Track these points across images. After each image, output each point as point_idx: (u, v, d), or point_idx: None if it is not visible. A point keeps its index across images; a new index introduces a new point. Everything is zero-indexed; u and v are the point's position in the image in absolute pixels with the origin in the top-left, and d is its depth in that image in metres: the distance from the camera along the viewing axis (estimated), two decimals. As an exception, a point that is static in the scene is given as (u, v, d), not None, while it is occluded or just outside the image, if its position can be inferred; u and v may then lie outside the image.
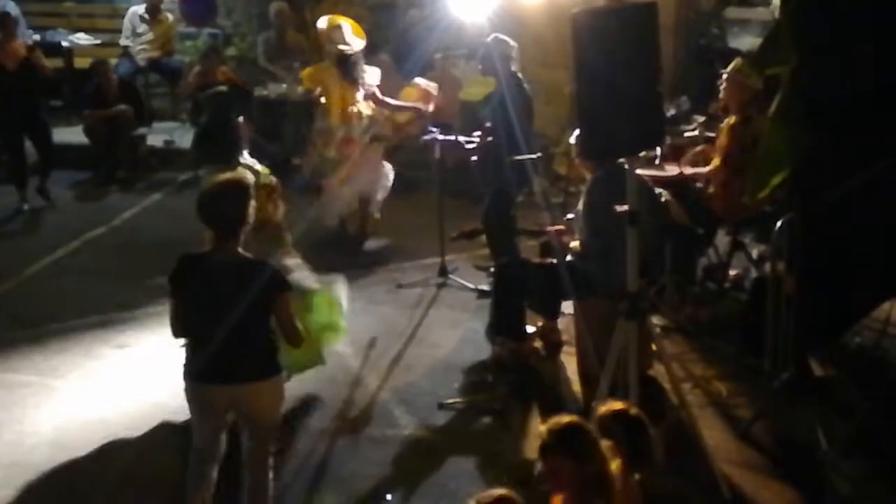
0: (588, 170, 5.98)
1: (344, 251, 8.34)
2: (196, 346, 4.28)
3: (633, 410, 3.75)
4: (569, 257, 5.98)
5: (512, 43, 7.54)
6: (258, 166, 5.71)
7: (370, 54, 10.55)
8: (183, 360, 4.32)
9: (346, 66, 8.31)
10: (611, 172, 5.65)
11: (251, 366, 4.24)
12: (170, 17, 12.15)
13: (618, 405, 3.77)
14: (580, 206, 5.95)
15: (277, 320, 4.27)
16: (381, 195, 8.66)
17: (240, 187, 4.35)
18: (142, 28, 11.90)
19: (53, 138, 10.36)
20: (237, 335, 4.16)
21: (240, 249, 4.27)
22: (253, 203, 4.35)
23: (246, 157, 5.69)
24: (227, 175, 4.53)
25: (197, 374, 4.27)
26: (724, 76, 6.91)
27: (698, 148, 7.37)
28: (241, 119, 5.83)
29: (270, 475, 4.46)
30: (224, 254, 4.24)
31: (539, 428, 3.64)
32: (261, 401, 4.31)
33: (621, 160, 5.48)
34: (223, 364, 4.19)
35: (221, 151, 5.63)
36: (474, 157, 7.78)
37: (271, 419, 4.42)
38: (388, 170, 8.69)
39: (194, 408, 4.38)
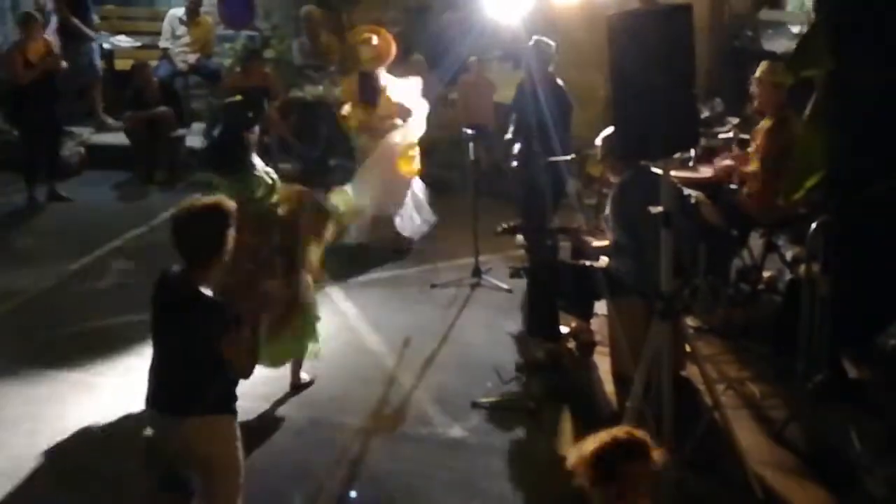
0: (613, 172, 6.00)
1: (376, 252, 8.42)
2: (151, 364, 4.11)
3: (630, 437, 3.24)
4: (604, 259, 6.00)
5: (550, 43, 7.60)
6: (273, 174, 5.81)
7: (404, 56, 10.65)
8: None
9: (363, 85, 8.45)
10: (639, 174, 5.68)
11: (184, 400, 3.93)
12: (209, 19, 12.28)
13: (608, 437, 3.24)
14: (608, 208, 5.97)
15: (226, 355, 3.89)
16: (398, 215, 8.56)
17: (218, 212, 3.99)
18: (181, 30, 12.03)
19: (91, 140, 10.56)
20: (181, 369, 3.96)
21: (201, 288, 3.92)
22: (232, 232, 4.02)
23: (258, 165, 5.73)
24: (207, 198, 4.11)
25: (147, 398, 4.08)
26: (755, 81, 6.90)
27: (731, 154, 7.36)
28: (255, 127, 5.82)
29: None
30: (185, 287, 3.93)
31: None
32: (199, 439, 3.95)
33: (647, 162, 5.55)
34: (167, 393, 4.00)
35: (230, 162, 5.68)
36: (515, 163, 7.85)
37: (217, 465, 4.05)
38: (406, 189, 8.59)
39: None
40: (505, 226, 6.43)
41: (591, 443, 3.20)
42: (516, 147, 7.84)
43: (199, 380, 3.92)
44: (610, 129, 5.81)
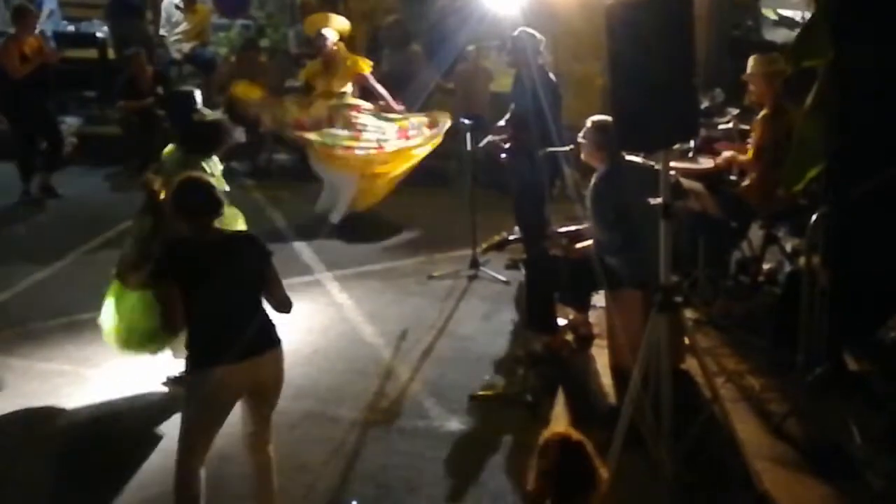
0: (598, 163, 5.93)
1: (375, 242, 8.38)
2: (208, 330, 4.15)
3: (575, 441, 3.49)
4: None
5: (539, 36, 7.55)
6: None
7: (403, 45, 10.62)
8: (190, 352, 4.19)
9: None
10: (615, 167, 5.65)
11: (265, 335, 4.26)
12: (206, 7, 12.22)
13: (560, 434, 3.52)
14: (588, 204, 5.91)
15: (269, 290, 4.30)
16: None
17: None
18: (177, 17, 11.97)
19: (84, 130, 10.50)
20: (246, 309, 4.22)
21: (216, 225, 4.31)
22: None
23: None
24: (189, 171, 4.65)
25: (216, 359, 4.10)
26: (748, 77, 6.85)
27: (727, 153, 7.28)
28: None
29: (273, 454, 4.50)
30: (213, 234, 4.26)
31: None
32: (276, 369, 4.34)
33: (624, 154, 5.54)
34: (241, 340, 4.13)
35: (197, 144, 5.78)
36: (504, 155, 7.79)
37: (279, 390, 4.44)
38: None
39: (209, 395, 4.16)
40: (494, 241, 6.39)
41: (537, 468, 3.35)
42: (490, 138, 7.80)
43: (264, 315, 4.29)
44: (591, 119, 5.79)
